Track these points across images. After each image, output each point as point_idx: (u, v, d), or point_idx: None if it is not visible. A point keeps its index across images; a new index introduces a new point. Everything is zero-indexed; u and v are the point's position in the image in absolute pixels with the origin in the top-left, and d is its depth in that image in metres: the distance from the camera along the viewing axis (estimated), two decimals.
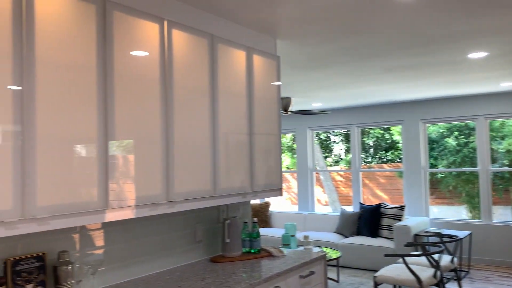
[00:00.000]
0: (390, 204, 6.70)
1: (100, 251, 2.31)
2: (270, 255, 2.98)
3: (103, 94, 2.00)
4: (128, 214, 2.08)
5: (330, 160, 11.88)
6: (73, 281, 2.05)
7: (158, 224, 2.64)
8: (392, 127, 9.71)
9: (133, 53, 2.16)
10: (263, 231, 7.31)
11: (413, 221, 6.17)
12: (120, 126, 2.06)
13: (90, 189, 1.91)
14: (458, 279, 5.14)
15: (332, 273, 6.02)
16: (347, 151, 10.90)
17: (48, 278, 2.04)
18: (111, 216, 2.00)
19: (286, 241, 5.67)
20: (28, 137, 1.71)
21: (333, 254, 5.40)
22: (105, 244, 2.34)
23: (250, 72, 2.95)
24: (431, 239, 6.44)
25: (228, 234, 2.89)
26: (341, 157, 11.67)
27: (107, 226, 2.35)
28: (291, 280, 2.67)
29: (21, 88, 1.70)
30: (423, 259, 4.79)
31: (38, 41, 1.77)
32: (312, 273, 2.84)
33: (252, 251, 3.00)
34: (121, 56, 2.10)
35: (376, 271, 6.10)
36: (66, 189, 1.82)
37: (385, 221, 6.44)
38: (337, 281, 5.61)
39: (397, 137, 10.13)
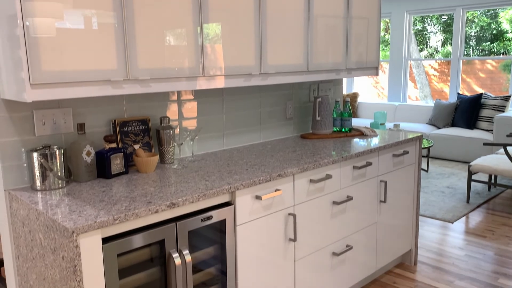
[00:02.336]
0: (492, 94, 6.16)
1: (198, 120, 2.40)
2: (361, 134, 2.92)
3: None
4: (223, 83, 2.10)
5: (424, 53, 11.01)
6: (175, 144, 2.18)
7: (251, 99, 2.66)
8: (502, 13, 8.57)
9: None
10: None
11: None
12: None
13: (188, 55, 1.92)
14: None
15: (422, 164, 5.88)
16: (445, 43, 9.95)
17: (153, 140, 2.19)
18: (207, 83, 2.03)
19: None
20: (128, 2, 1.71)
21: (424, 143, 5.22)
22: (202, 114, 2.42)
23: None
24: None
25: (319, 112, 2.85)
26: (438, 49, 10.73)
27: (203, 97, 2.41)
28: (383, 158, 2.62)
29: None
30: None
31: None
32: (405, 152, 2.76)
33: (343, 130, 2.95)
34: None
35: (469, 163, 5.84)
36: (165, 54, 1.85)
37: (485, 112, 5.99)
38: (426, 171, 5.49)
39: (505, 26, 8.97)
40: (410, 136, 2.83)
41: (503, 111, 5.87)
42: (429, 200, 4.40)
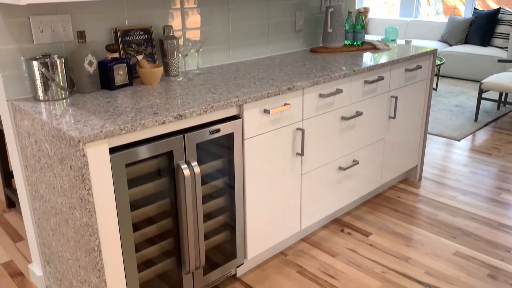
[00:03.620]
0: (511, 10, 5.86)
1: (202, 30, 2.29)
2: (374, 48, 2.80)
3: None
4: None
5: None
6: (179, 55, 2.09)
7: (258, 9, 2.52)
8: None
9: None
10: None
11: None
12: None
13: None
14: None
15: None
16: None
17: (156, 51, 2.10)
18: None
19: None
20: None
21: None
22: (206, 24, 2.30)
23: None
24: None
25: (331, 23, 2.71)
26: None
27: (207, 5, 2.27)
28: (396, 73, 2.53)
29: None
30: None
31: None
32: (419, 67, 2.66)
33: (355, 43, 2.83)
34: None
35: (480, 81, 5.72)
36: None
37: (502, 29, 5.74)
38: (435, 89, 5.39)
39: None
40: (423, 51, 2.71)
41: None
42: (437, 118, 4.36)
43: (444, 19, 6.75)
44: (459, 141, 3.80)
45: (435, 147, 3.67)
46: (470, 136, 3.91)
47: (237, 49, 2.48)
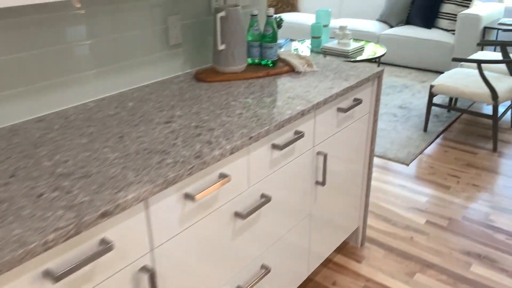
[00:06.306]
0: None
1: None
2: (292, 70, 1.86)
3: None
4: None
5: None
6: None
7: (97, 18, 1.47)
8: None
9: None
10: (289, 19, 6.00)
11: (484, 9, 4.71)
12: None
13: None
14: None
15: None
16: None
17: None
18: None
19: (316, 33, 4.42)
20: None
21: (375, 50, 4.22)
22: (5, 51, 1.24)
23: None
24: (505, 37, 5.09)
25: (223, 36, 1.72)
26: None
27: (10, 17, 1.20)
28: (323, 118, 1.62)
29: None
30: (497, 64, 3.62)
31: None
32: (357, 102, 1.76)
33: (264, 63, 1.87)
34: None
35: (426, 70, 4.99)
36: None
37: (447, 8, 4.99)
38: None
39: None
40: (366, 75, 1.79)
41: (468, 6, 4.89)
42: (379, 129, 3.55)
43: None
44: (407, 165, 3.01)
45: (379, 178, 2.85)
46: (421, 157, 3.13)
47: (52, 91, 1.44)
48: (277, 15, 6.11)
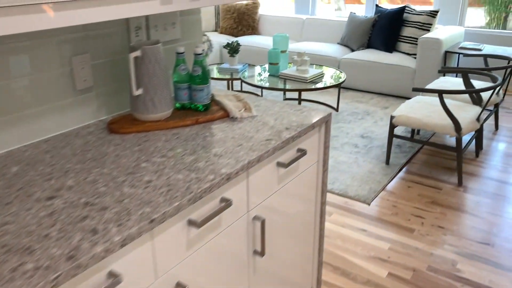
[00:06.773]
0: (417, 8, 5.02)
1: None
2: (227, 116, 1.59)
3: None
4: None
5: None
6: None
7: None
8: None
9: None
10: (249, 41, 5.80)
11: (445, 33, 4.62)
12: None
13: None
14: (496, 116, 3.92)
15: (331, 99, 4.77)
16: None
17: None
18: None
19: (273, 59, 4.17)
20: None
21: (335, 77, 4.03)
22: None
23: None
24: (466, 61, 5.01)
25: (139, 78, 1.44)
26: None
27: None
28: (259, 176, 1.35)
29: None
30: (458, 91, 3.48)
31: None
32: (301, 153, 1.50)
33: (194, 107, 1.60)
34: None
35: (388, 95, 4.84)
36: None
37: (408, 31, 4.88)
38: (336, 110, 4.39)
39: None
40: (311, 121, 1.54)
41: (429, 30, 4.79)
42: (340, 162, 3.32)
43: (344, 17, 5.80)
44: (369, 204, 2.78)
45: (337, 221, 2.61)
46: (383, 194, 2.91)
47: None
48: (235, 39, 5.89)
